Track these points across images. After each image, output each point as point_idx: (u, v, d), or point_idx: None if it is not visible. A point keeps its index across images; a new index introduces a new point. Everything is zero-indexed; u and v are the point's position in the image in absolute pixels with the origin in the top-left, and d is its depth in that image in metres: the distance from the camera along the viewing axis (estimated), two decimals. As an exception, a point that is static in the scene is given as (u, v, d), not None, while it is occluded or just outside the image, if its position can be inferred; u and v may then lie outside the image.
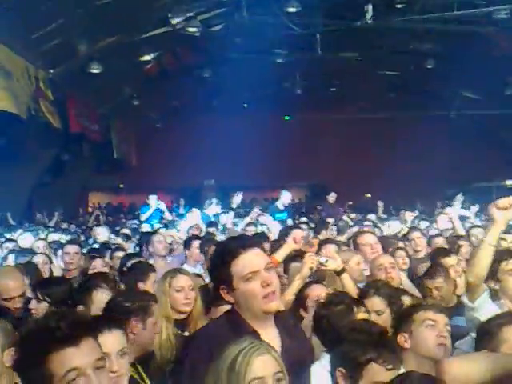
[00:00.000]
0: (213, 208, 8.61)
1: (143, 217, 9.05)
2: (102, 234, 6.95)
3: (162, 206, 9.05)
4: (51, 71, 10.67)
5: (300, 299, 3.21)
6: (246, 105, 18.16)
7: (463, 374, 1.78)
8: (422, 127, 15.78)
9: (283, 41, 12.62)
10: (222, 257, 2.26)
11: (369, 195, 15.97)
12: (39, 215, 11.53)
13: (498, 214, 2.67)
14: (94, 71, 11.18)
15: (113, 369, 2.28)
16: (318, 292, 3.16)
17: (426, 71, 13.36)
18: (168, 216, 9.09)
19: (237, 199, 8.53)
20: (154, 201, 8.95)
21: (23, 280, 3.50)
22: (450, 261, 3.82)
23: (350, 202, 14.03)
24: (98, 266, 4.57)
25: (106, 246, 6.13)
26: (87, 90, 12.20)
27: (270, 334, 2.05)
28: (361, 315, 2.80)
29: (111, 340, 2.34)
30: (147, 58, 12.34)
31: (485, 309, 2.72)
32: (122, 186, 21.07)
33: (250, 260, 2.24)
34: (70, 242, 5.83)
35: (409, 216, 7.14)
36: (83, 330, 1.76)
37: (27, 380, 1.72)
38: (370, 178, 16.13)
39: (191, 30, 11.01)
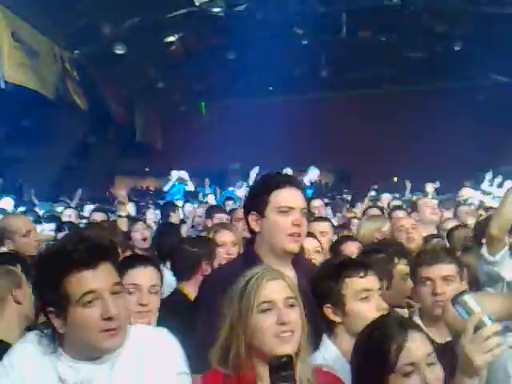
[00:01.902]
0: (242, 190, 8.68)
1: (166, 188, 9.09)
2: (128, 209, 7.01)
3: (184, 175, 8.96)
4: (76, 52, 10.77)
5: (335, 253, 3.31)
6: (271, 87, 18.07)
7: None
8: (448, 109, 15.49)
9: (308, 21, 12.49)
10: (265, 184, 2.29)
11: (396, 178, 15.79)
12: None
13: None
14: (119, 52, 11.25)
15: (143, 301, 2.34)
16: (353, 248, 3.24)
17: (453, 53, 13.07)
18: (191, 186, 9.06)
19: (253, 174, 8.47)
20: (174, 174, 8.88)
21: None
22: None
23: (376, 186, 13.91)
24: (139, 228, 4.54)
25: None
26: (111, 71, 12.29)
27: (287, 274, 2.04)
28: (401, 267, 2.82)
29: (144, 274, 2.41)
30: (171, 39, 12.37)
31: (506, 263, 2.65)
32: (147, 169, 21.26)
33: (291, 195, 2.28)
34: (96, 210, 5.86)
35: (430, 188, 7.08)
36: (101, 253, 1.76)
37: (45, 302, 1.74)
38: (395, 160, 15.94)
39: (215, 10, 10.98)
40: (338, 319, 2.16)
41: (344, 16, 11.98)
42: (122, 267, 2.37)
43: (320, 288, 2.19)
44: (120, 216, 5.32)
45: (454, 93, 15.80)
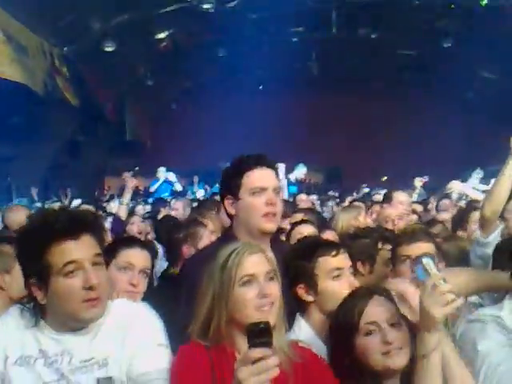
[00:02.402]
0: None
1: (152, 189, 9.04)
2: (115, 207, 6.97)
3: (172, 177, 8.95)
4: (65, 49, 10.70)
5: None
6: (261, 86, 18.07)
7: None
8: (437, 107, 15.60)
9: (299, 18, 12.51)
10: (237, 167, 2.34)
11: (385, 178, 15.85)
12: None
13: None
14: (108, 49, 11.18)
15: (133, 281, 2.43)
16: (329, 236, 3.23)
17: (442, 50, 13.14)
18: (178, 187, 9.03)
19: None
20: (162, 173, 8.84)
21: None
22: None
23: (365, 185, 13.96)
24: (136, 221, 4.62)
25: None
26: (101, 68, 12.22)
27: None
28: (384, 252, 2.88)
29: (140, 255, 2.51)
30: (161, 35, 12.32)
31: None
32: (137, 168, 21.14)
33: (263, 176, 2.32)
34: (83, 203, 5.84)
35: (418, 182, 7.08)
36: (82, 225, 1.78)
37: (27, 273, 1.77)
38: (385, 159, 16.01)
39: (205, 6, 10.95)
40: (310, 298, 2.20)
41: (334, 13, 12.00)
42: (120, 245, 2.49)
43: (293, 268, 2.22)
44: (121, 203, 5.31)
45: (443, 90, 15.90)
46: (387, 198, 4.63)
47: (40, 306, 1.78)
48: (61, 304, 1.75)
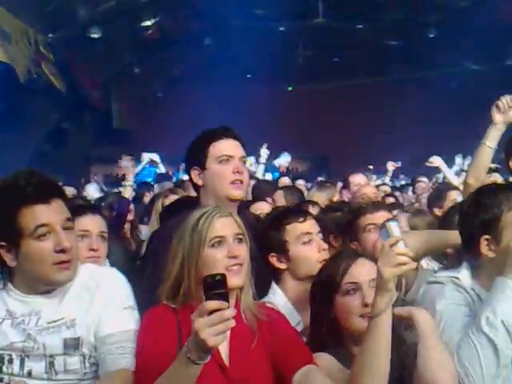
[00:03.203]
0: None
1: (135, 170, 8.94)
2: (93, 191, 6.99)
3: (155, 157, 8.83)
4: (50, 35, 10.59)
5: None
6: (249, 75, 18.01)
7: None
8: (422, 97, 15.66)
9: (285, 6, 12.46)
10: (203, 138, 2.40)
11: (371, 167, 15.92)
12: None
13: (498, 115, 2.68)
14: (94, 36, 11.09)
15: (93, 246, 2.49)
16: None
17: (427, 40, 13.19)
18: (162, 169, 8.96)
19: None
20: (145, 156, 8.73)
21: None
22: None
23: (371, 167, 13.97)
24: None
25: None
26: (87, 55, 12.11)
27: None
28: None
29: (94, 221, 2.57)
30: (148, 23, 12.22)
31: None
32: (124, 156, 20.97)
33: (229, 145, 2.39)
34: (64, 185, 5.87)
35: (390, 166, 7.24)
36: (53, 189, 1.82)
37: None
38: (370, 148, 16.08)
39: (192, -6, 10.88)
40: (283, 266, 2.30)
41: (320, 2, 11.99)
42: (72, 215, 2.51)
43: (263, 239, 2.32)
44: (125, 185, 5.34)
45: (428, 81, 15.97)
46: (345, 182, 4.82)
47: (8, 269, 1.80)
48: (32, 267, 1.76)
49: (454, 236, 2.20)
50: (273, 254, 2.31)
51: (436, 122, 15.92)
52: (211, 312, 1.47)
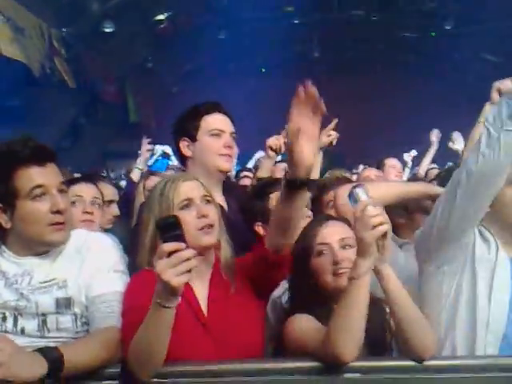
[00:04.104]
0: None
1: (148, 163, 9.01)
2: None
3: (168, 150, 8.88)
4: (64, 30, 10.66)
5: None
6: (263, 69, 17.96)
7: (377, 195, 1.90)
8: (438, 90, 15.46)
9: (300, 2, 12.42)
10: (195, 111, 2.46)
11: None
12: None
13: (498, 96, 2.57)
14: (107, 30, 11.13)
15: (87, 209, 2.62)
16: None
17: (444, 32, 12.99)
18: (175, 161, 8.99)
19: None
20: (158, 149, 8.79)
21: None
22: None
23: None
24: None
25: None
26: (100, 50, 12.16)
27: (216, 198, 2.17)
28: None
29: (87, 188, 2.71)
30: (161, 17, 12.23)
31: None
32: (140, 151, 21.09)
33: (221, 120, 2.50)
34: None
35: (408, 157, 7.32)
36: (48, 154, 1.89)
37: None
38: (383, 141, 15.95)
39: (205, -13, 10.86)
40: None
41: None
42: (67, 185, 2.61)
43: (249, 209, 2.41)
44: (135, 168, 5.53)
45: (443, 73, 15.76)
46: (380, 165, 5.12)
47: (2, 231, 1.86)
48: (27, 228, 1.82)
49: (435, 188, 2.27)
50: (258, 223, 2.37)
51: (453, 116, 15.71)
52: (170, 254, 1.50)
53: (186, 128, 2.48)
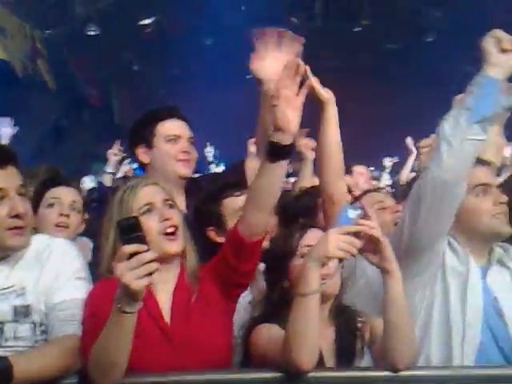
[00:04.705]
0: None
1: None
2: (87, 181, 7.04)
3: None
4: (47, 32, 10.61)
5: None
6: (248, 76, 17.94)
7: None
8: (421, 103, 15.56)
9: (284, 8, 12.47)
10: (150, 117, 2.43)
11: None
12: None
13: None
14: (92, 33, 11.10)
15: (64, 211, 2.53)
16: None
17: (426, 44, 13.11)
18: None
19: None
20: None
21: None
22: None
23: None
24: None
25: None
26: (85, 52, 12.12)
27: (178, 204, 2.16)
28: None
29: (66, 191, 2.64)
30: (146, 21, 12.21)
31: None
32: (125, 154, 20.99)
33: (177, 125, 2.47)
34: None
35: (388, 162, 7.36)
36: (8, 156, 1.84)
37: None
38: (369, 152, 16.02)
39: (191, -7, 10.86)
40: (221, 239, 2.29)
41: (318, 3, 11.96)
42: (46, 186, 2.60)
43: (201, 213, 2.35)
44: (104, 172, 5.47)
45: (426, 84, 15.87)
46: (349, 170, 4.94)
47: None
48: None
49: None
50: (211, 228, 2.32)
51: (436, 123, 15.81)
52: (131, 257, 1.46)
53: (142, 135, 2.45)
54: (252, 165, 2.67)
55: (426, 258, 2.11)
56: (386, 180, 7.61)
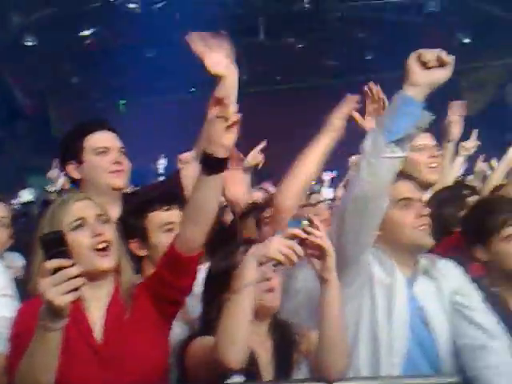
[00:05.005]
0: None
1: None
2: (25, 194, 6.87)
3: None
4: (-18, 42, 10.27)
5: None
6: (193, 89, 17.89)
7: None
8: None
9: (226, 22, 12.53)
10: (77, 131, 2.38)
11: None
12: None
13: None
14: (28, 44, 10.80)
15: None
16: None
17: (364, 62, 13.51)
18: None
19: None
20: None
21: None
22: None
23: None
24: None
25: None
26: (21, 63, 11.77)
27: (114, 212, 2.11)
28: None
29: None
30: (86, 32, 11.99)
31: None
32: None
33: (105, 137, 2.41)
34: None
35: (327, 176, 7.50)
36: None
37: None
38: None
39: (131, 6, 10.78)
40: (143, 253, 2.31)
41: (261, 20, 12.12)
42: None
43: (125, 226, 2.27)
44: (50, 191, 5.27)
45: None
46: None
47: None
48: None
49: None
50: (133, 240, 2.30)
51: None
52: (55, 272, 1.43)
53: (70, 150, 2.38)
54: (188, 173, 2.70)
55: (352, 270, 2.16)
56: (326, 194, 7.78)
